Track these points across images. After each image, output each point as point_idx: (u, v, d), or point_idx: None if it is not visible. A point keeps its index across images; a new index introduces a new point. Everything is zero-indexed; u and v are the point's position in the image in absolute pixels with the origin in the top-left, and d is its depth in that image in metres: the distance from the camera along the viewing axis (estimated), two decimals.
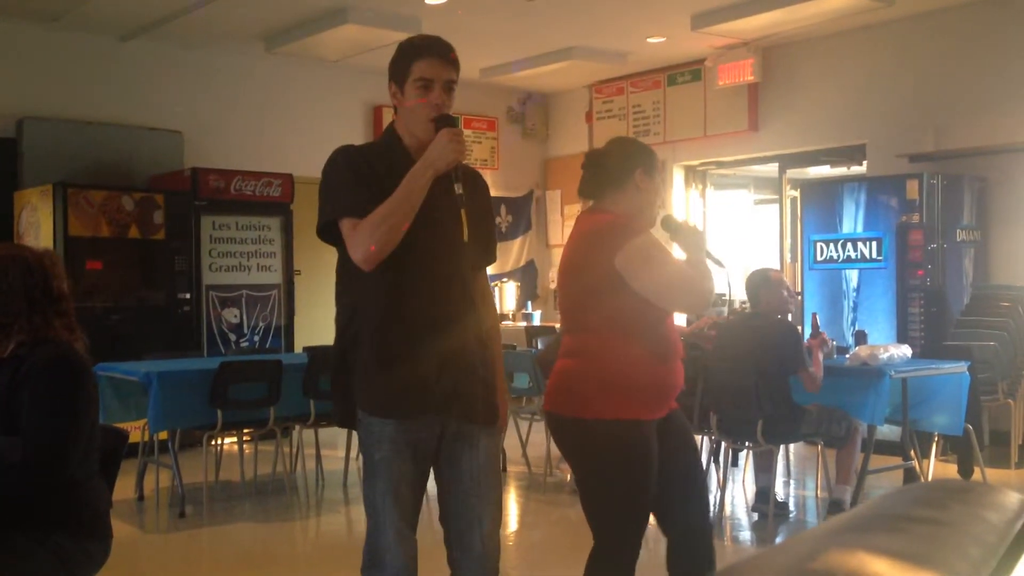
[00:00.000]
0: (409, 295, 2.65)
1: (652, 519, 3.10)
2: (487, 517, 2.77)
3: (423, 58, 2.68)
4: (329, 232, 2.70)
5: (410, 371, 2.65)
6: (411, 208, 2.58)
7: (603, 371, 2.95)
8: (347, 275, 2.71)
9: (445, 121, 2.66)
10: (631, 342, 2.95)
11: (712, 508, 5.82)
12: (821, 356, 5.34)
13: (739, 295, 9.54)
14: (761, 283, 5.47)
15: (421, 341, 2.65)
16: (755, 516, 5.77)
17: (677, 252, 3.09)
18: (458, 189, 2.67)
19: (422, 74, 2.67)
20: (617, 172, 3.06)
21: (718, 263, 3.10)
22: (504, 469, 6.96)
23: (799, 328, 6.37)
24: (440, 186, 2.65)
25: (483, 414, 2.77)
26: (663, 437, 3.01)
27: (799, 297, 8.17)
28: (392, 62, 2.75)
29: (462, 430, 2.74)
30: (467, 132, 10.51)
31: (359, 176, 2.65)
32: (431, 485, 2.81)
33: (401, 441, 2.65)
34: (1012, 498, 1.03)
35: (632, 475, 2.94)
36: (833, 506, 5.41)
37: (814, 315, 6.37)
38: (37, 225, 7.58)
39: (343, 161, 2.71)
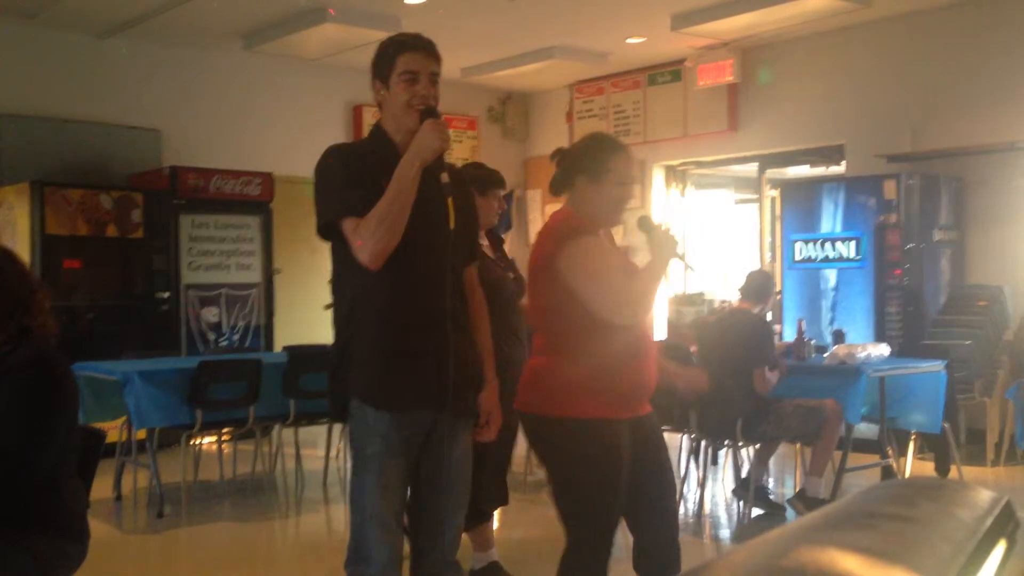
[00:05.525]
0: (408, 289, 2.68)
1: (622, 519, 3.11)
2: (460, 509, 2.85)
3: (407, 52, 2.72)
4: (329, 232, 2.72)
5: (411, 365, 2.68)
6: (407, 201, 2.62)
7: (573, 369, 2.94)
8: (346, 270, 2.73)
9: (428, 113, 2.70)
10: (598, 341, 2.93)
11: (692, 506, 5.88)
12: (776, 374, 5.39)
13: (720, 294, 9.64)
14: (767, 282, 5.61)
15: (421, 335, 2.69)
16: (736, 506, 5.80)
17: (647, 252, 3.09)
18: (444, 178, 2.71)
19: (407, 67, 2.71)
20: (570, 173, 3.07)
21: (689, 267, 3.14)
22: None
23: (777, 327, 6.39)
24: (427, 182, 2.67)
25: (470, 409, 2.84)
26: (636, 439, 3.00)
27: (778, 297, 8.21)
28: (375, 60, 2.78)
29: (448, 424, 2.77)
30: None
31: (354, 174, 2.68)
32: None
33: (394, 436, 2.68)
34: (982, 495, 1.04)
35: (603, 474, 2.94)
36: (799, 496, 5.41)
37: (800, 320, 6.38)
38: (13, 223, 7.53)
39: (338, 160, 2.74)
